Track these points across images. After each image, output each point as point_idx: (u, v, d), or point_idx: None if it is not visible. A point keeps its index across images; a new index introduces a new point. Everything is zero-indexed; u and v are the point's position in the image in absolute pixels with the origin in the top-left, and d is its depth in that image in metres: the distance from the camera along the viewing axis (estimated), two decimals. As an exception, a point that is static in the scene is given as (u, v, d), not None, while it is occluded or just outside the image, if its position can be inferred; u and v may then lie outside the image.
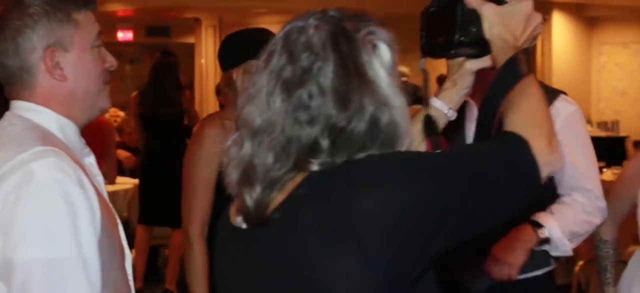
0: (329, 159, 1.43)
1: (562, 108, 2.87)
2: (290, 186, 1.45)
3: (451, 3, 1.73)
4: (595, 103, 13.68)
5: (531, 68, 1.69)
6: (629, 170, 3.08)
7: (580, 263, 6.43)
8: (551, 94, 2.85)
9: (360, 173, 1.40)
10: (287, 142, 1.44)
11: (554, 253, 2.84)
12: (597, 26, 13.57)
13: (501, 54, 1.71)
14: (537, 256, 2.79)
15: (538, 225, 2.77)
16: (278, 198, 1.45)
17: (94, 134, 4.50)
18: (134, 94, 7.26)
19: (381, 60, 1.47)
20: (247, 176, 1.47)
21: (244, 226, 1.52)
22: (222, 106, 6.92)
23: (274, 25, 13.68)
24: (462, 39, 1.73)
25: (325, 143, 1.43)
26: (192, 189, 2.94)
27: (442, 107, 1.82)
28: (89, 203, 1.78)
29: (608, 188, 6.49)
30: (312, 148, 1.44)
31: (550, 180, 2.73)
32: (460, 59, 1.83)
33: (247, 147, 1.47)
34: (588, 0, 12.58)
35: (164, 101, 6.91)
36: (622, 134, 12.72)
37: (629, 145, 11.84)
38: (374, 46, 1.48)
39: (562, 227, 2.78)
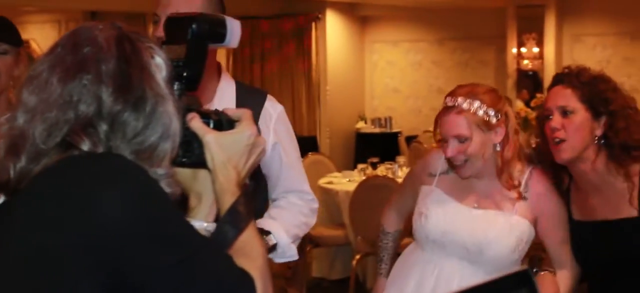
0: (104, 143, 1.46)
1: (272, 108, 2.81)
2: (50, 162, 1.46)
3: None
4: (369, 100, 14.07)
5: (250, 210, 1.61)
6: (417, 167, 3.14)
7: (358, 257, 6.55)
8: (259, 95, 2.82)
9: (104, 170, 1.42)
10: (58, 120, 1.46)
11: (279, 260, 2.76)
12: (369, 25, 13.96)
13: (223, 193, 1.61)
14: None
15: (265, 233, 2.63)
16: (35, 171, 1.47)
17: None
18: None
19: (159, 70, 1.53)
20: (15, 147, 1.48)
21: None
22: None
23: (42, 24, 13.04)
24: (184, 160, 1.63)
25: (102, 126, 1.46)
26: None
27: (201, 226, 1.66)
28: None
29: (381, 182, 6.64)
30: (87, 130, 1.46)
31: (262, 183, 2.73)
32: (191, 170, 1.70)
33: (20, 121, 1.49)
34: (360, 0, 12.90)
35: None
36: (395, 129, 13.17)
37: (402, 141, 12.28)
38: (152, 57, 1.54)
39: (287, 232, 2.73)
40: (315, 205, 2.89)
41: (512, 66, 12.29)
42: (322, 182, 7.38)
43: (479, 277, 2.77)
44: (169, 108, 1.51)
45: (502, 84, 12.04)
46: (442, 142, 2.82)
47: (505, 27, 12.37)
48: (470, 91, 2.79)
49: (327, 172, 8.03)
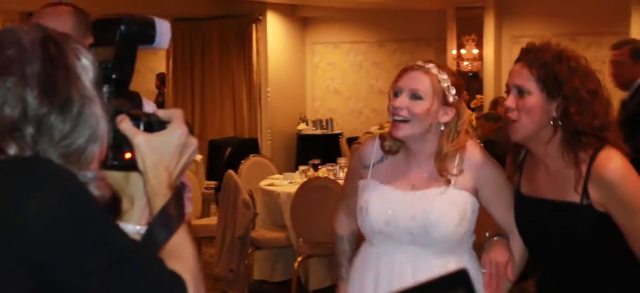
0: (30, 146, 1.44)
1: (147, 103, 2.93)
2: None
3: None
4: (310, 102, 14.07)
5: (181, 212, 1.60)
6: (353, 162, 3.12)
7: (299, 259, 6.52)
8: (135, 97, 2.89)
9: (30, 174, 1.40)
10: None
11: None
12: (309, 26, 13.96)
13: (154, 195, 1.60)
14: None
15: None
16: None
17: None
18: None
19: (86, 72, 1.51)
20: None
21: None
22: None
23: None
24: (115, 163, 1.61)
25: (28, 130, 1.44)
26: None
27: (134, 230, 1.65)
28: None
29: (322, 184, 6.62)
30: (13, 134, 1.43)
31: None
32: (123, 173, 1.68)
33: None
34: (300, 1, 12.89)
35: None
36: (336, 131, 13.19)
37: (343, 142, 12.29)
38: (79, 58, 1.51)
39: None
40: (190, 194, 2.99)
41: (452, 68, 12.38)
42: (264, 184, 7.34)
43: (430, 260, 2.80)
44: (97, 110, 1.49)
45: (442, 85, 12.12)
46: (394, 96, 2.82)
47: (445, 29, 12.47)
48: (441, 65, 2.87)
49: (269, 174, 7.99)
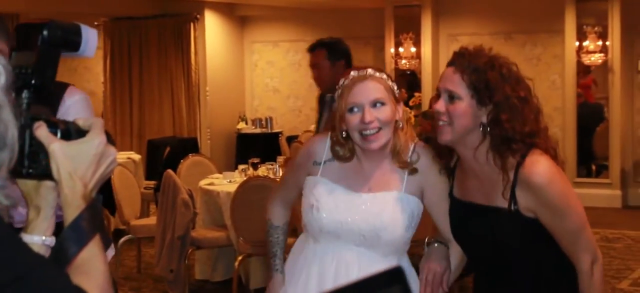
0: None
1: (74, 92, 3.07)
2: None
3: (22, 129, 1.54)
4: (249, 100, 14.04)
5: (95, 225, 1.55)
6: (300, 156, 3.12)
7: (240, 258, 6.51)
8: (59, 87, 3.04)
9: None
10: None
11: None
12: (248, 25, 13.93)
13: (67, 206, 1.54)
14: None
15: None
16: None
17: None
18: None
19: None
20: None
21: None
22: None
23: None
24: (31, 171, 1.55)
25: None
26: None
27: (39, 241, 1.59)
28: None
29: (262, 183, 6.62)
30: None
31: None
32: (35, 182, 1.63)
33: None
34: (238, 0, 12.86)
35: None
36: (275, 130, 13.19)
37: (283, 141, 12.30)
38: None
39: None
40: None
41: (390, 66, 12.47)
42: (203, 183, 7.31)
43: (376, 261, 2.82)
44: (5, 115, 1.41)
45: (381, 83, 12.20)
46: (351, 113, 2.82)
47: (383, 27, 12.53)
48: (376, 67, 2.89)
49: (208, 173, 7.96)
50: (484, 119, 2.60)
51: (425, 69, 12.25)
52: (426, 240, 2.91)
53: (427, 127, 7.42)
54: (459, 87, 2.60)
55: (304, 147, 3.17)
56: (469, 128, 2.61)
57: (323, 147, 2.98)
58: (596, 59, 11.30)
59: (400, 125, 2.86)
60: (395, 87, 2.86)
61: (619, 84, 11.14)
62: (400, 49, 12.48)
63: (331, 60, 5.79)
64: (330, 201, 2.89)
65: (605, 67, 11.27)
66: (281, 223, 3.19)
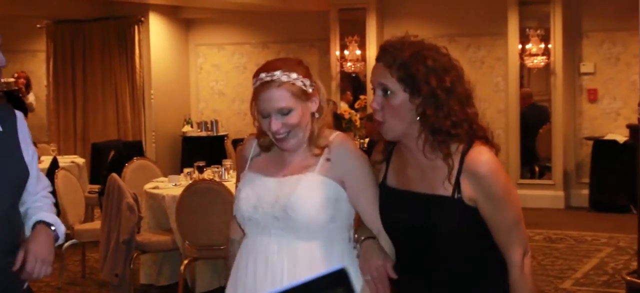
0: None
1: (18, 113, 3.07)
2: None
3: None
4: (194, 103, 13.97)
5: None
6: (237, 162, 3.14)
7: (186, 262, 6.48)
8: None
9: None
10: None
11: (59, 242, 3.08)
12: (193, 28, 13.86)
13: None
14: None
15: (49, 225, 3.01)
16: None
17: None
18: None
19: None
20: None
21: None
22: None
23: None
24: None
25: None
26: None
27: None
28: None
29: (208, 186, 6.59)
30: None
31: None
32: None
33: None
34: (183, 3, 12.80)
35: None
36: (221, 133, 13.14)
37: (228, 144, 12.25)
38: None
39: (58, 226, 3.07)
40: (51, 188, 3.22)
41: (335, 69, 12.52)
42: (148, 187, 7.26)
43: (293, 243, 2.85)
44: None
45: (326, 86, 12.14)
46: (262, 118, 2.84)
47: (328, 30, 12.58)
48: (284, 64, 2.84)
49: (153, 176, 7.91)
50: (421, 110, 2.61)
51: (370, 71, 12.27)
52: (355, 237, 2.90)
53: (372, 130, 7.45)
54: (390, 81, 2.62)
55: (238, 153, 3.20)
56: (405, 122, 2.62)
57: (251, 144, 3.03)
58: (539, 61, 11.48)
59: (317, 116, 2.88)
60: (308, 83, 2.84)
61: (561, 86, 11.32)
62: (346, 52, 12.53)
63: None
64: (248, 189, 2.93)
65: (547, 69, 11.45)
66: (237, 236, 3.19)
